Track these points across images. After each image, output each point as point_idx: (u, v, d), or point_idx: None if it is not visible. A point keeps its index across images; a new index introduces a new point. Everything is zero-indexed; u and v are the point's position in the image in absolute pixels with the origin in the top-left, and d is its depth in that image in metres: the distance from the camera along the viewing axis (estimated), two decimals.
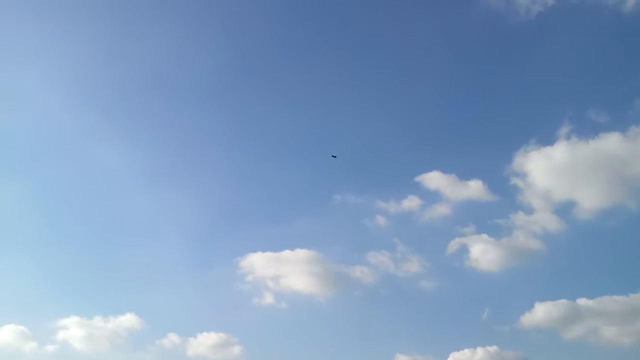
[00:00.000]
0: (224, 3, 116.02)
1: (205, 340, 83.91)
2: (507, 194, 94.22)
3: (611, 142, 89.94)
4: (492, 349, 78.85)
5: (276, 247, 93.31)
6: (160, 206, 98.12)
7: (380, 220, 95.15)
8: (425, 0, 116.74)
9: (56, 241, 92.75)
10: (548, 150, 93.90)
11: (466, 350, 79.06)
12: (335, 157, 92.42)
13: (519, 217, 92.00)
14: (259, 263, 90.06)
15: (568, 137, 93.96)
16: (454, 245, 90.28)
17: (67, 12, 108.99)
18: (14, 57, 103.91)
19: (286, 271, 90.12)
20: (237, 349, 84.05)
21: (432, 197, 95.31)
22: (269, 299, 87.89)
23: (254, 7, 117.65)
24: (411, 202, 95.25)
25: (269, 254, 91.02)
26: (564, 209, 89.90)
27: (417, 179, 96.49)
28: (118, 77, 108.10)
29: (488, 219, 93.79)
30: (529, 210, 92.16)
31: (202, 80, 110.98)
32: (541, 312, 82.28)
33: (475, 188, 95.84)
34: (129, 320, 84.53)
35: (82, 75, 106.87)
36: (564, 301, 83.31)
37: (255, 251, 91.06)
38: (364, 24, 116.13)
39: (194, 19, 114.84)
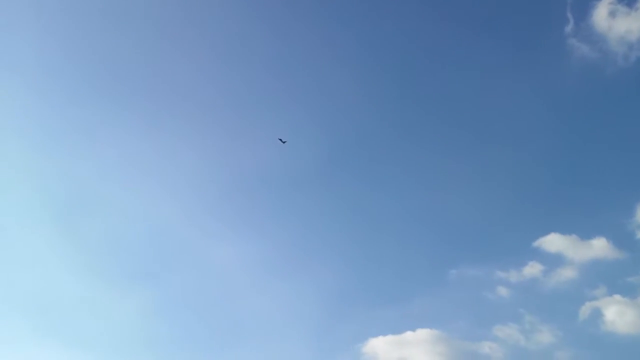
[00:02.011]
0: (314, 96, 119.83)
1: None
2: (635, 249, 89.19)
3: None
4: None
5: (397, 329, 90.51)
6: (276, 300, 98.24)
7: (502, 291, 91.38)
8: (516, 61, 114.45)
9: (181, 345, 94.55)
10: None
11: None
12: (284, 142, 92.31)
13: None
14: (381, 348, 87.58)
15: None
16: (585, 310, 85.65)
17: (177, 124, 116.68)
18: (131, 171, 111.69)
19: (410, 353, 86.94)
20: None
21: (554, 261, 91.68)
22: None
23: (344, 91, 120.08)
24: (533, 269, 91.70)
25: (390, 337, 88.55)
26: None
27: (536, 243, 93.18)
28: (225, 177, 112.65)
29: (619, 278, 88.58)
30: None
31: (305, 169, 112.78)
32: None
33: (599, 247, 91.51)
34: None
35: (194, 180, 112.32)
36: None
37: (375, 335, 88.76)
38: (459, 92, 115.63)
39: (288, 112, 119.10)
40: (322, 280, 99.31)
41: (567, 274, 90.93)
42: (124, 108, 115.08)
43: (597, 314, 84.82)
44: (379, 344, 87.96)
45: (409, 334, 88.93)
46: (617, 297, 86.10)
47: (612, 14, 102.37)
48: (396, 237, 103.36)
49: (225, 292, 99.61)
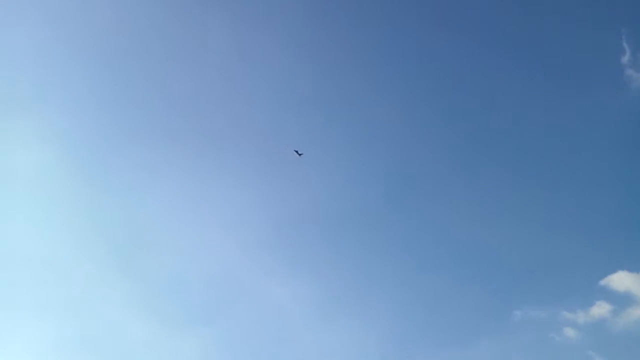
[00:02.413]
0: (365, 134, 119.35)
1: None
2: None
3: None
4: None
5: None
6: (334, 341, 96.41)
7: (570, 332, 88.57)
8: (572, 93, 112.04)
9: None
10: None
11: None
12: (300, 154, 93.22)
13: None
14: None
15: None
16: None
17: (231, 165, 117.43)
18: (189, 209, 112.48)
19: None
20: None
21: (623, 300, 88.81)
22: None
23: (395, 129, 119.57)
24: (601, 309, 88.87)
25: None
26: None
27: (602, 282, 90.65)
28: (279, 215, 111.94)
29: None
30: None
31: (358, 207, 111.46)
32: None
33: None
34: None
35: (250, 218, 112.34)
36: None
37: None
38: (511, 126, 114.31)
39: (338, 150, 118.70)
40: (380, 322, 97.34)
41: (637, 313, 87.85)
42: (181, 145, 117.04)
43: None
44: None
45: None
46: None
47: None
48: (456, 277, 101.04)
49: (284, 333, 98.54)
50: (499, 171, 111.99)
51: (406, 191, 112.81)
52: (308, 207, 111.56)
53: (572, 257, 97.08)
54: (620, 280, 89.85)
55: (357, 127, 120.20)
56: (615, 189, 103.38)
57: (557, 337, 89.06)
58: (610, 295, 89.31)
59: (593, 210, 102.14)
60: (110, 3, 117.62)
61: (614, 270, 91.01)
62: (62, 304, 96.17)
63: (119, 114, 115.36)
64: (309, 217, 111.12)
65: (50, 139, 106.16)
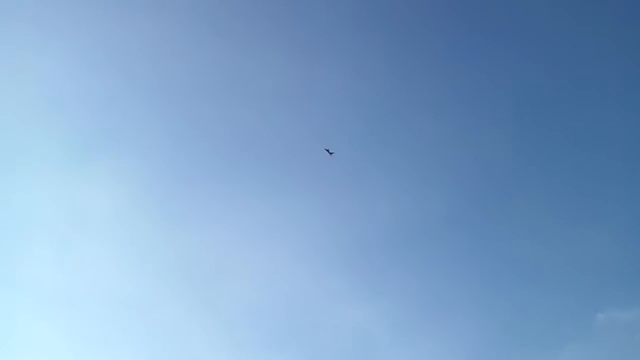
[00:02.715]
0: (427, 155, 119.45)
1: None
2: None
3: None
4: None
5: None
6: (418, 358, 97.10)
7: None
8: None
9: None
10: None
11: None
12: (332, 153, 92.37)
13: None
14: None
15: None
16: None
17: (297, 190, 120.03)
18: (259, 237, 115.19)
19: None
20: None
21: None
22: None
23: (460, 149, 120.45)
24: None
25: None
26: None
27: None
28: (347, 239, 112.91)
29: None
30: None
31: (423, 225, 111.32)
32: None
33: None
34: None
35: (321, 242, 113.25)
36: None
37: None
38: (571, 128, 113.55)
39: (401, 171, 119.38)
40: (458, 340, 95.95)
41: None
42: (249, 175, 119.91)
43: None
44: None
45: None
46: None
47: None
48: (533, 285, 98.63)
49: (359, 356, 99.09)
50: (573, 173, 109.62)
51: (475, 203, 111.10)
52: (374, 228, 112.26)
53: None
54: None
55: (415, 145, 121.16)
56: None
57: None
58: None
59: None
60: (174, 43, 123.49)
61: None
62: (147, 338, 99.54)
63: (189, 148, 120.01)
64: (376, 238, 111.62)
65: (126, 179, 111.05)
